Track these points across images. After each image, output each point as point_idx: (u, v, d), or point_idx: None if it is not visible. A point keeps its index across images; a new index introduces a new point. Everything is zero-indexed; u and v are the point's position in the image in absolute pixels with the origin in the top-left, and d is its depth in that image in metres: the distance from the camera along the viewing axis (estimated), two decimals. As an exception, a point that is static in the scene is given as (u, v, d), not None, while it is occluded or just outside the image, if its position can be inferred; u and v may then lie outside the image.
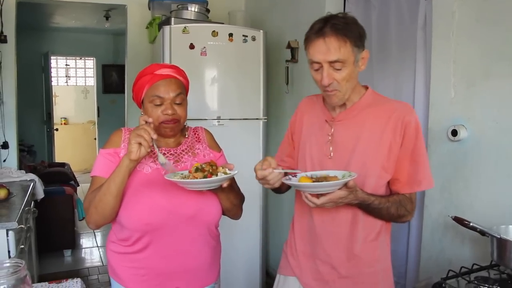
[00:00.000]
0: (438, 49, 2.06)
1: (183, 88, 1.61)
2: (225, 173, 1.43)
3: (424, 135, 2.17)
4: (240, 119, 3.21)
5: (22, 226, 2.48)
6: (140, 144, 1.38)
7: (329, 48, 1.36)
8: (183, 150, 1.63)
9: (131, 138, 1.39)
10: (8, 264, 1.21)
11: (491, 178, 1.83)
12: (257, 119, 3.25)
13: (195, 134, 1.72)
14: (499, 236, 1.45)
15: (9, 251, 2.21)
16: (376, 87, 2.58)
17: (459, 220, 1.60)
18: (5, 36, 3.48)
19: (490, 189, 1.83)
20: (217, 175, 1.41)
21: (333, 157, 1.49)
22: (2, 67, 3.50)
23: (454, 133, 1.92)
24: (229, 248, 3.18)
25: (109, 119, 7.92)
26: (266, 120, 3.31)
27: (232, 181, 1.67)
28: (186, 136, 1.68)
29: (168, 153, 1.60)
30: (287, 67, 3.32)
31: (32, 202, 3.29)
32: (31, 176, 3.45)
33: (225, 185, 1.44)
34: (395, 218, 1.49)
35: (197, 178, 1.39)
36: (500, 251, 1.46)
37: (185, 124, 1.69)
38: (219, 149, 1.75)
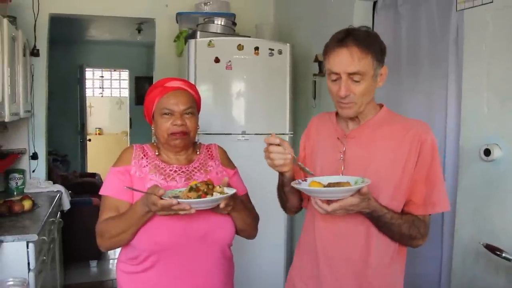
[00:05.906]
0: (470, 61, 1.94)
1: (194, 102, 1.59)
2: (222, 192, 1.38)
3: (456, 155, 2.08)
4: (266, 134, 3.09)
5: (44, 237, 2.51)
6: None
7: (350, 59, 1.30)
8: (195, 168, 1.60)
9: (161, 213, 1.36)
10: (11, 283, 1.20)
11: (528, 202, 1.69)
12: (283, 134, 3.15)
13: (208, 151, 1.69)
14: (535, 268, 1.32)
15: (28, 263, 2.23)
16: (407, 102, 2.47)
17: (491, 248, 1.48)
18: (38, 50, 3.57)
19: (527, 214, 1.69)
20: (212, 195, 1.35)
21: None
22: (34, 80, 3.58)
23: (487, 152, 1.79)
24: (250, 267, 3.11)
25: (141, 130, 7.97)
26: (292, 135, 3.22)
27: (246, 200, 1.62)
28: (198, 153, 1.65)
29: (179, 170, 1.57)
30: (315, 81, 3.23)
31: (59, 212, 3.35)
32: (58, 187, 3.53)
33: (222, 205, 1.38)
34: (406, 239, 1.39)
35: (190, 198, 1.33)
36: (536, 284, 1.33)
37: (197, 140, 1.66)
38: (233, 167, 1.71)
